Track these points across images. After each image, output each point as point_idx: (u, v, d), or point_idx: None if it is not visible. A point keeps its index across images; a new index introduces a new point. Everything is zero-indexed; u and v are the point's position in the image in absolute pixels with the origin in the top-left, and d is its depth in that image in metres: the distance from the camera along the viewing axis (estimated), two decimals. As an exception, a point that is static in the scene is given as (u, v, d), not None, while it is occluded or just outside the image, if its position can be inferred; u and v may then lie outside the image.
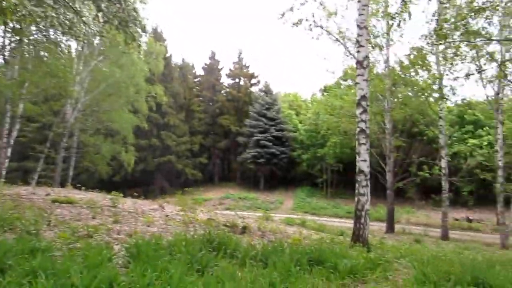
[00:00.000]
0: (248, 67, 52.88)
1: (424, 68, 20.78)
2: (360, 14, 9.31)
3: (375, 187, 20.59)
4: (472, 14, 11.18)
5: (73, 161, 27.88)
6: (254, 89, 52.18)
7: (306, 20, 12.90)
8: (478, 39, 10.70)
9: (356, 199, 8.31)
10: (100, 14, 11.57)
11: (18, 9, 8.19)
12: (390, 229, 21.35)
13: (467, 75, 13.00)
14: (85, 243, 4.68)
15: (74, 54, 25.38)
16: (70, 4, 9.87)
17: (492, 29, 16.36)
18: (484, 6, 11.18)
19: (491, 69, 18.65)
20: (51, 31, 14.01)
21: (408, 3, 12.32)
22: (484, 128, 31.82)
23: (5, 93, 19.87)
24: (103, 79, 26.47)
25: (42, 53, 18.88)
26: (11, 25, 12.27)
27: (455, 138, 31.24)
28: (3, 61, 20.27)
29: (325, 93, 43.92)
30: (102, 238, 5.47)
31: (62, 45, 18.97)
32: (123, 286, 3.14)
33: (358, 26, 9.29)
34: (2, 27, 14.25)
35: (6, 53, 18.86)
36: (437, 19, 12.13)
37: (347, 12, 38.83)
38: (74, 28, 11.32)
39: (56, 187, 18.80)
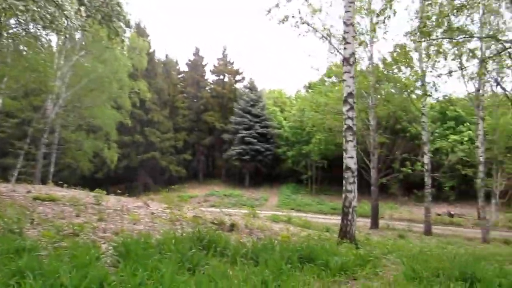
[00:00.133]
0: (232, 63, 52.69)
1: (406, 65, 21.08)
2: (346, 11, 9.31)
3: (359, 183, 20.62)
4: (455, 11, 11.37)
5: (54, 157, 27.29)
6: (238, 85, 52.04)
7: (293, 17, 12.83)
8: (460, 36, 10.86)
9: (343, 195, 8.36)
10: (82, 8, 11.31)
11: (-2, 3, 7.94)
12: (375, 225, 21.61)
13: (450, 72, 13.20)
14: (71, 242, 4.57)
15: (55, 49, 24.80)
16: (52, -3, 9.61)
17: (473, 26, 16.76)
18: (465, 3, 11.39)
19: (472, 66, 19.01)
20: (31, 25, 13.66)
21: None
22: (465, 124, 32.47)
23: (-17, 88, 19.31)
24: (85, 74, 25.96)
25: (21, 47, 18.39)
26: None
27: (437, 134, 31.79)
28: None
29: (309, 90, 44.11)
30: (88, 237, 5.36)
31: (43, 39, 18.54)
32: (113, 286, 3.06)
33: (344, 23, 9.31)
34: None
35: (-16, 47, 18.29)
36: (420, 17, 12.30)
37: (331, 9, 38.93)
38: (56, 22, 11.04)
39: (37, 184, 18.39)
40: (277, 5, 12.69)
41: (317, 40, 17.76)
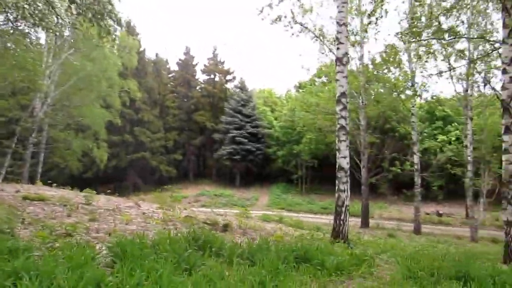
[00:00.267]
0: (223, 63, 52.57)
1: (396, 65, 21.28)
2: (339, 11, 9.35)
3: (350, 183, 20.86)
4: (445, 12, 11.52)
5: (42, 156, 26.91)
6: (229, 85, 52.01)
7: (285, 17, 12.86)
8: (451, 37, 11.01)
9: (336, 195, 8.37)
10: (73, 6, 11.17)
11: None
12: (365, 224, 21.77)
13: (440, 73, 13.38)
14: (64, 242, 4.50)
15: (44, 46, 24.44)
16: (42, -7, 9.47)
17: (462, 28, 17.00)
18: (454, 4, 11.54)
19: (462, 67, 19.28)
20: (19, 22, 13.43)
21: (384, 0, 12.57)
22: (453, 124, 32.87)
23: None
24: (74, 72, 25.62)
25: (9, 44, 18.09)
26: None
27: (425, 134, 32.13)
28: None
29: (300, 90, 44.24)
30: (81, 237, 5.29)
31: (32, 37, 18.28)
32: (111, 287, 3.02)
33: (337, 23, 9.34)
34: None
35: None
36: (411, 18, 12.42)
37: (322, 10, 39.11)
38: (46, 20, 10.89)
39: (25, 183, 18.11)
40: (269, 5, 12.73)
41: (308, 40, 17.89)
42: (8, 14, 9.44)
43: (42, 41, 24.28)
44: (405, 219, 27.01)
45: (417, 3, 13.16)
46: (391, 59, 20.70)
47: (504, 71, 7.69)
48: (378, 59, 22.23)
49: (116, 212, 8.90)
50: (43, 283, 2.84)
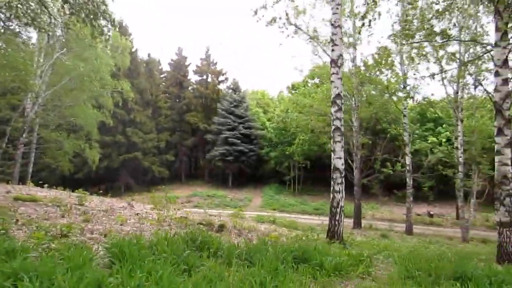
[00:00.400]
0: (216, 63, 52.55)
1: (388, 67, 21.45)
2: (334, 13, 9.41)
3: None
4: (437, 15, 11.64)
5: (33, 157, 26.61)
6: (222, 86, 51.97)
7: (280, 18, 12.89)
8: (444, 40, 11.14)
9: (331, 196, 8.41)
10: (66, 6, 11.08)
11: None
12: (358, 224, 21.86)
13: (432, 75, 13.51)
14: (60, 243, 4.46)
15: (35, 46, 24.18)
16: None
17: (453, 31, 17.20)
18: (446, 7, 11.68)
19: (454, 70, 19.47)
20: (10, 21, 13.27)
21: (377, 2, 12.65)
22: (443, 126, 33.18)
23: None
24: (66, 72, 25.36)
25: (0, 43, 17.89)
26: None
27: (416, 136, 32.39)
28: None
29: (293, 91, 44.35)
30: (77, 238, 5.25)
31: (23, 37, 18.07)
32: (111, 289, 3.00)
33: (332, 25, 9.40)
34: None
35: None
36: (404, 20, 12.53)
37: (315, 11, 39.33)
38: (38, 19, 10.78)
39: (15, 184, 17.90)
40: (264, 7, 12.76)
41: (301, 42, 17.99)
42: (0, 13, 9.33)
43: (34, 41, 24.04)
44: (396, 219, 27.21)
45: (409, 6, 13.30)
46: (383, 61, 20.88)
47: (497, 74, 7.80)
48: (371, 61, 22.41)
49: (109, 213, 8.85)
50: (43, 284, 2.81)
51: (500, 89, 7.76)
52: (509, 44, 7.78)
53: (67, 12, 11.36)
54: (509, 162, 7.60)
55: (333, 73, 9.03)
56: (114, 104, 32.89)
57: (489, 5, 12.54)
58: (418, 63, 17.69)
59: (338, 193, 8.31)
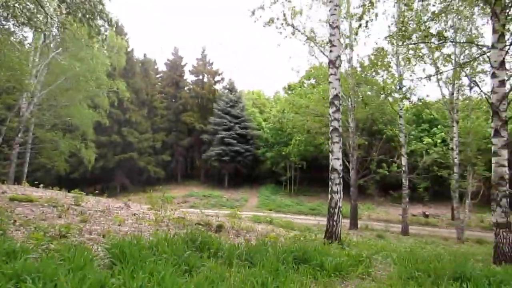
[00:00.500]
0: (212, 63, 52.50)
1: (383, 68, 21.53)
2: (332, 14, 9.44)
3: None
4: (434, 17, 11.71)
5: (28, 157, 26.46)
6: (218, 86, 51.95)
7: (277, 19, 12.90)
8: (441, 41, 11.19)
9: (329, 196, 8.42)
10: (63, 5, 11.03)
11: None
12: (354, 225, 21.91)
13: (429, 76, 13.58)
14: (59, 244, 4.44)
15: (31, 46, 24.04)
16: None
17: (448, 32, 17.33)
18: (443, 9, 11.75)
19: (450, 71, 19.58)
20: (5, 21, 13.18)
21: (374, 3, 12.71)
22: (439, 127, 33.36)
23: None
24: (62, 72, 25.25)
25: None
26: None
27: (412, 137, 32.55)
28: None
29: (289, 92, 44.42)
30: (76, 239, 5.22)
31: (19, 36, 17.93)
32: (114, 290, 2.99)
33: (330, 26, 9.42)
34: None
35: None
36: (402, 21, 12.59)
37: (311, 12, 39.42)
38: (35, 19, 10.73)
39: (11, 184, 17.79)
40: (261, 7, 12.77)
41: (298, 42, 18.04)
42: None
43: (29, 40, 23.93)
44: (392, 220, 27.31)
45: (406, 7, 13.37)
46: (379, 62, 20.96)
47: (494, 75, 7.85)
48: (367, 62, 22.47)
49: (107, 214, 8.82)
50: (46, 285, 2.80)
51: (497, 90, 7.82)
52: (506, 46, 7.83)
53: (64, 11, 11.30)
54: (505, 163, 7.66)
55: (331, 74, 9.04)
56: (109, 103, 32.79)
57: (485, 7, 12.64)
58: (415, 65, 17.77)
59: (336, 194, 8.33)
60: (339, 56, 9.28)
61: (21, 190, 11.93)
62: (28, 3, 10.24)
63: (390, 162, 25.86)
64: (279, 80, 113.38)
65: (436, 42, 11.13)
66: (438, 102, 24.77)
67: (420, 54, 14.09)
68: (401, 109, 22.63)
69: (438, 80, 20.28)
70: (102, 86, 29.05)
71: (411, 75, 18.59)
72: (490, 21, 8.11)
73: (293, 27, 14.04)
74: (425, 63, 14.97)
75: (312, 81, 33.44)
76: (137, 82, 45.45)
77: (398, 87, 22.09)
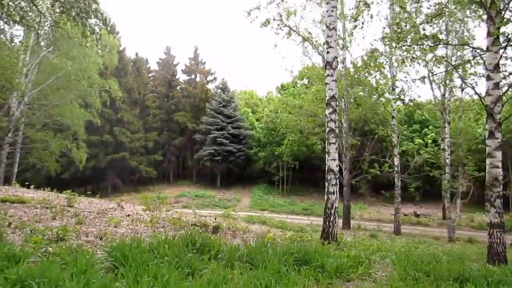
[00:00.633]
0: (204, 63, 52.38)
1: (376, 69, 21.66)
2: (329, 16, 9.45)
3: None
4: (429, 19, 11.81)
5: (18, 157, 26.09)
6: (210, 86, 51.85)
7: (274, 20, 12.91)
8: (436, 43, 11.30)
9: (326, 197, 8.44)
10: (56, 4, 10.90)
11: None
12: (347, 225, 22.01)
13: (423, 78, 13.68)
14: (58, 247, 4.39)
15: (22, 44, 23.70)
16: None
17: (442, 35, 17.50)
18: (437, 12, 11.85)
19: (443, 73, 19.74)
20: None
21: (370, 5, 12.79)
22: (430, 127, 33.68)
23: None
24: (53, 71, 24.94)
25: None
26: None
27: (403, 137, 32.82)
28: None
29: (282, 91, 44.48)
30: (74, 241, 5.16)
31: (9, 34, 17.69)
32: (119, 294, 2.96)
33: (327, 27, 9.44)
34: None
35: None
36: (397, 23, 12.68)
37: (305, 13, 39.50)
38: (27, 17, 10.58)
39: (0, 184, 17.56)
40: (257, 7, 12.76)
41: (291, 43, 18.08)
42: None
43: (20, 38, 23.59)
44: (384, 220, 27.52)
45: (399, 9, 13.48)
46: (371, 63, 21.09)
47: (488, 78, 7.94)
48: (360, 63, 22.59)
49: (101, 215, 8.73)
50: (52, 290, 2.77)
51: (491, 93, 7.91)
52: (500, 49, 7.93)
53: (58, 10, 11.17)
54: (499, 164, 7.75)
55: (328, 75, 9.06)
56: (101, 103, 32.50)
57: (478, 11, 12.79)
58: (410, 65, 17.92)
59: (332, 195, 8.36)
60: (336, 57, 9.30)
61: (12, 191, 11.76)
62: (21, 1, 10.11)
63: (382, 162, 26.02)
64: (273, 80, 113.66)
65: (431, 44, 11.23)
66: (430, 103, 24.99)
67: (414, 56, 14.22)
68: (393, 110, 22.80)
69: (431, 82, 20.45)
70: (94, 85, 28.75)
71: (405, 77, 18.73)
72: (483, 24, 8.22)
73: (289, 28, 14.04)
74: (418, 64, 15.07)
75: (305, 81, 33.57)
76: (129, 81, 45.15)
77: (391, 89, 22.25)
